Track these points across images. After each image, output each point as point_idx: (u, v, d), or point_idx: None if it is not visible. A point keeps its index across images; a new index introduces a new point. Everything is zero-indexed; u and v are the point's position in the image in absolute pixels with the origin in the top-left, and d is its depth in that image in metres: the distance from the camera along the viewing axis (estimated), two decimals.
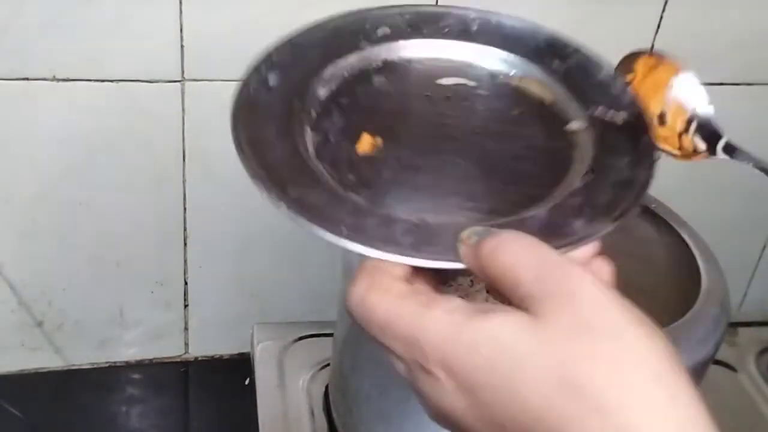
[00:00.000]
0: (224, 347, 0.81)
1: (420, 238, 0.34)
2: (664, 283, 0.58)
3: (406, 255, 0.33)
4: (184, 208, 0.72)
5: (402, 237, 0.34)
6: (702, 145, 0.44)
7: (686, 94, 0.44)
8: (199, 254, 0.75)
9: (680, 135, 0.44)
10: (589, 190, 0.37)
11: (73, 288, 0.74)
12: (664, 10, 0.72)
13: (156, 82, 0.65)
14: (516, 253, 0.31)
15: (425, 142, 0.41)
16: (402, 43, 0.45)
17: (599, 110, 0.42)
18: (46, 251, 0.71)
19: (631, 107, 0.42)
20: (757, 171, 0.44)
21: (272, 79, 0.41)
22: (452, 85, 0.44)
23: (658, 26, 0.73)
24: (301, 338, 0.78)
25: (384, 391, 0.57)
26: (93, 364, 0.78)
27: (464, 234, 0.33)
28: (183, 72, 0.65)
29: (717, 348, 0.53)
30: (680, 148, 0.45)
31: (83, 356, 0.78)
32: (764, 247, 0.91)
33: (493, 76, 0.45)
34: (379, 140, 0.40)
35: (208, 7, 0.62)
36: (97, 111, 0.65)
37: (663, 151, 0.43)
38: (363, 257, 0.33)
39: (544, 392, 0.28)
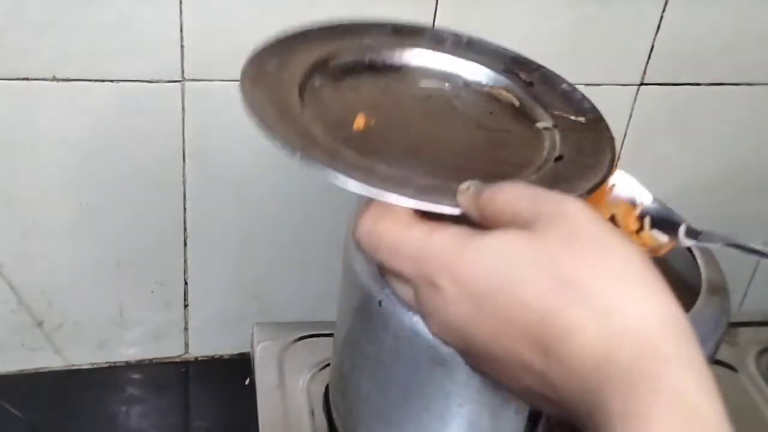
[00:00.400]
0: (224, 347, 0.81)
1: (419, 191, 0.38)
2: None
3: (410, 198, 0.37)
4: (184, 208, 0.72)
5: (403, 188, 0.37)
6: (663, 238, 0.44)
7: (628, 192, 0.45)
8: (199, 254, 0.75)
9: (638, 233, 0.44)
10: (563, 169, 0.43)
11: (73, 288, 0.74)
12: (664, 10, 0.72)
13: (156, 82, 0.65)
14: (513, 192, 0.36)
15: (412, 126, 0.46)
16: (385, 50, 0.50)
17: (563, 114, 0.48)
18: (46, 251, 0.71)
19: (590, 112, 0.48)
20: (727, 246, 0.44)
21: (271, 66, 0.45)
22: (432, 87, 0.49)
23: (658, 26, 0.73)
24: (301, 338, 0.78)
25: (384, 391, 0.57)
26: (93, 364, 0.78)
27: (462, 186, 0.37)
28: (183, 72, 0.65)
29: (717, 348, 0.53)
30: (643, 246, 0.44)
31: (83, 356, 0.78)
32: None
33: (466, 83, 0.50)
34: (372, 120, 0.44)
35: (208, 7, 0.63)
36: (97, 111, 0.65)
37: None
38: (369, 200, 0.37)
39: (539, 288, 0.32)
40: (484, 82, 0.50)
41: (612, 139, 0.45)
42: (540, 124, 0.47)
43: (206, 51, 0.64)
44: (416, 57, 0.50)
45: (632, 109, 0.77)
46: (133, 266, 0.74)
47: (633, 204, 0.44)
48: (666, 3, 0.72)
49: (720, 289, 0.55)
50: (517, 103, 0.49)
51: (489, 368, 0.36)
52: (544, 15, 0.70)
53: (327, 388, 0.71)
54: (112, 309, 0.76)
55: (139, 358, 0.80)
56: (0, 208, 0.68)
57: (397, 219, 0.36)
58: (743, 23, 0.75)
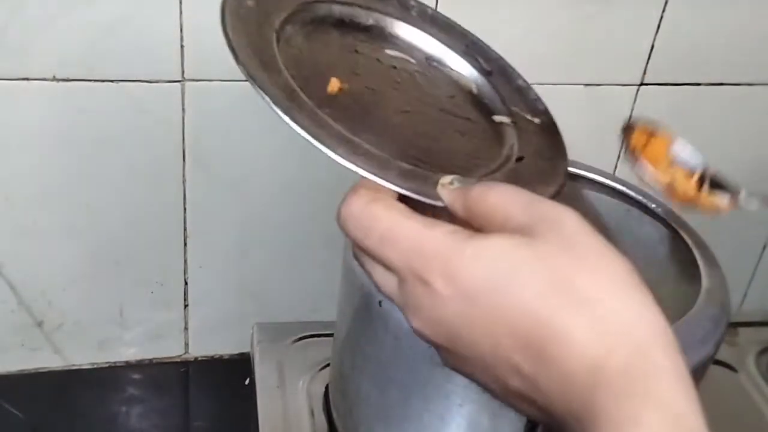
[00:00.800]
0: (224, 347, 0.81)
1: (402, 176, 0.37)
2: (664, 283, 0.58)
3: (398, 183, 0.36)
4: (184, 208, 0.72)
5: (387, 170, 0.37)
6: (724, 200, 0.47)
7: (686, 159, 0.48)
8: (199, 254, 0.75)
9: (698, 196, 0.47)
10: (523, 170, 0.43)
11: (73, 288, 0.74)
12: (664, 10, 0.72)
13: (156, 82, 0.65)
14: (505, 194, 0.35)
15: (381, 98, 0.45)
16: (356, 9, 0.49)
17: (519, 111, 0.48)
18: (46, 251, 0.71)
19: (544, 114, 0.48)
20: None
21: (249, 3, 0.44)
22: (397, 57, 0.48)
23: (658, 26, 0.73)
24: (301, 338, 0.78)
25: (384, 391, 0.57)
26: (93, 364, 0.78)
27: (445, 180, 0.37)
28: (183, 72, 0.65)
29: (717, 348, 0.53)
30: (702, 207, 0.48)
31: (83, 356, 0.78)
32: (764, 247, 0.91)
33: (428, 59, 0.50)
34: (345, 85, 0.43)
35: (208, 7, 0.62)
36: (97, 111, 0.65)
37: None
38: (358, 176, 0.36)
39: (537, 290, 0.32)
40: (445, 62, 0.49)
41: (564, 147, 0.46)
42: (498, 118, 0.47)
43: (206, 51, 0.64)
44: (383, 21, 0.49)
45: (632, 109, 0.77)
46: (133, 266, 0.74)
47: (691, 171, 0.47)
48: (666, 3, 0.72)
49: (720, 289, 0.55)
50: (475, 91, 0.48)
51: (471, 369, 0.35)
52: (544, 15, 0.70)
53: (327, 388, 0.71)
54: (112, 309, 0.76)
55: (139, 358, 0.80)
56: (0, 208, 0.68)
57: (392, 206, 0.35)
58: (743, 23, 0.75)
